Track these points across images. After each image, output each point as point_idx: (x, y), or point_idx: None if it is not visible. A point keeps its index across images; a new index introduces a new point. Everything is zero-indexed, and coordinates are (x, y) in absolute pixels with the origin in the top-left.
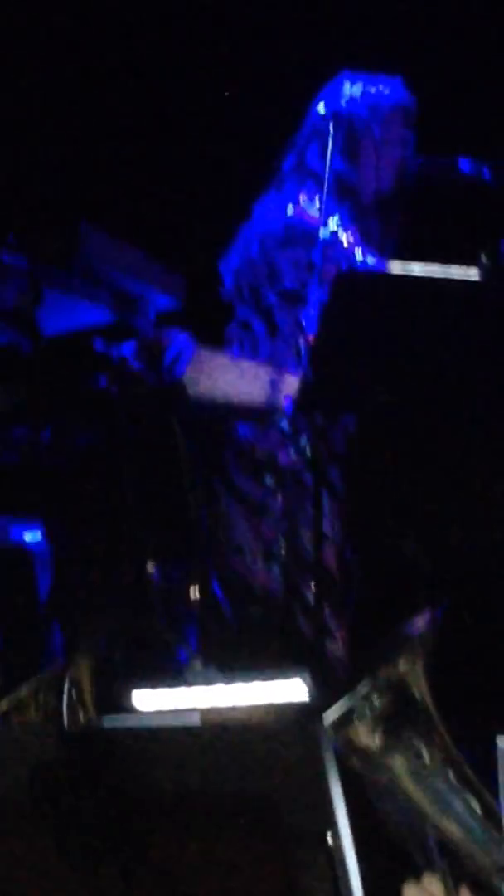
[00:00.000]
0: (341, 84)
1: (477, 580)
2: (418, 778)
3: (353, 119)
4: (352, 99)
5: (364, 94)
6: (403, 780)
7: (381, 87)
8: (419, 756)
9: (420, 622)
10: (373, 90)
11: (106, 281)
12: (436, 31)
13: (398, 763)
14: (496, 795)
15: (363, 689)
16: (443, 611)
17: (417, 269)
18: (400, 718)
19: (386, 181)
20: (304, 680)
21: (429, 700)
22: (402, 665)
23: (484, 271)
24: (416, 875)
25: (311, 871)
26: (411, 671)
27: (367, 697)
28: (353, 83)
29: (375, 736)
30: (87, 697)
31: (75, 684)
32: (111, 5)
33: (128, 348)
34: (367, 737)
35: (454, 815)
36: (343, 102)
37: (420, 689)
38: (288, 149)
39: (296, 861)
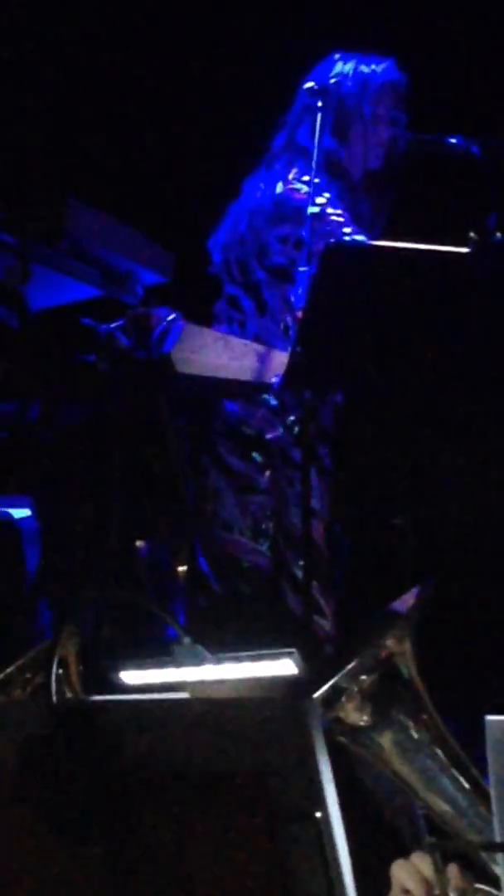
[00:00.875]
0: (332, 63)
1: (464, 556)
2: (406, 755)
3: (344, 97)
4: (343, 77)
5: (355, 72)
6: (392, 757)
7: (372, 66)
8: (407, 733)
9: (408, 600)
10: (364, 69)
11: (94, 257)
12: (424, 12)
13: (386, 740)
14: (484, 772)
15: (352, 666)
16: (431, 588)
17: (406, 245)
18: (388, 696)
19: (375, 160)
20: (292, 656)
21: (417, 677)
22: (390, 643)
23: (473, 247)
24: (405, 852)
25: (300, 848)
26: (399, 649)
27: (355, 675)
28: (344, 62)
29: (364, 713)
30: (75, 674)
31: (63, 661)
32: None
33: (116, 325)
34: (356, 714)
35: (442, 792)
36: (333, 80)
37: (408, 666)
38: (278, 127)
39: (284, 837)
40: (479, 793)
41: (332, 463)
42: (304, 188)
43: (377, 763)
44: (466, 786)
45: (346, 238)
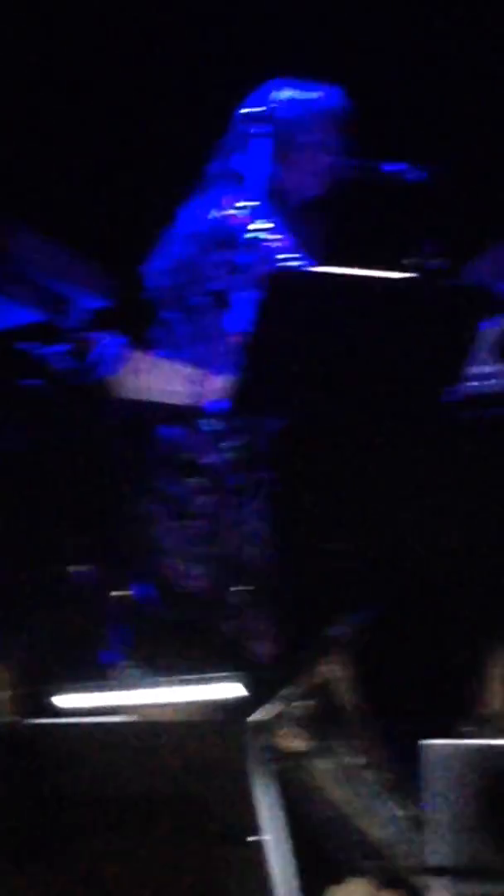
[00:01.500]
0: (269, 89)
1: (406, 581)
2: (341, 781)
3: (280, 123)
4: (280, 103)
5: (292, 99)
6: (326, 782)
7: (310, 92)
8: (342, 759)
9: (345, 627)
10: (301, 96)
11: (33, 281)
12: (363, 38)
13: (322, 766)
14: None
15: (288, 693)
16: (368, 616)
17: (346, 271)
18: (324, 722)
19: (313, 188)
20: (230, 681)
21: (352, 705)
22: (326, 669)
23: (411, 272)
24: (341, 876)
25: (237, 871)
26: (335, 676)
27: (291, 701)
28: (281, 89)
29: (299, 739)
30: (9, 699)
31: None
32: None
33: (55, 349)
34: (291, 740)
35: (376, 818)
36: (271, 107)
37: (344, 693)
38: (214, 152)
39: (222, 861)
40: (412, 818)
41: (270, 487)
42: (240, 213)
43: (312, 788)
44: (400, 812)
45: (282, 263)
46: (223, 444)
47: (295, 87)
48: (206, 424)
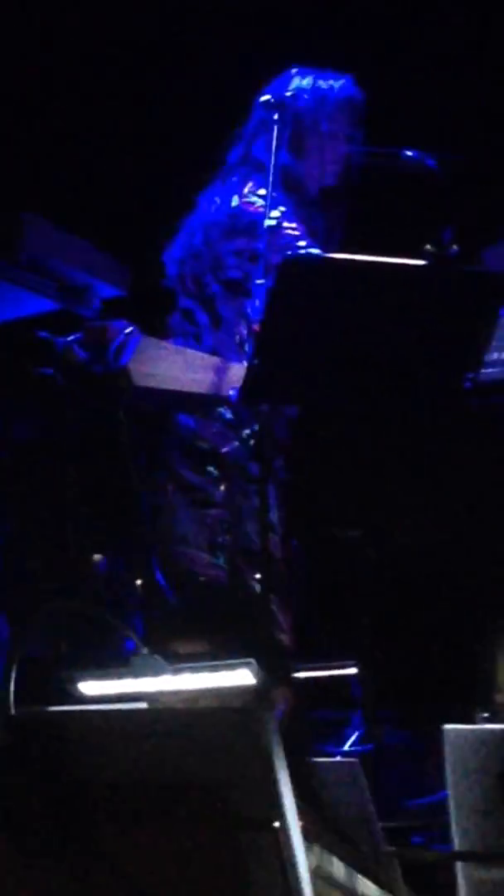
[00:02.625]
0: (289, 77)
1: (422, 569)
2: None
3: (301, 112)
4: (300, 91)
5: (313, 87)
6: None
7: (330, 81)
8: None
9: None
10: (322, 84)
11: (50, 270)
12: (379, 26)
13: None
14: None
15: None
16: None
17: (363, 258)
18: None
19: (331, 176)
20: (249, 667)
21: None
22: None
23: (429, 260)
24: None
25: (259, 857)
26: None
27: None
28: (302, 77)
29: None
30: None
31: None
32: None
33: (72, 338)
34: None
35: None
36: (290, 95)
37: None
38: (233, 140)
39: (243, 847)
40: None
41: (286, 475)
42: (260, 202)
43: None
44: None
45: (302, 251)
46: (241, 433)
47: (315, 75)
48: (224, 413)
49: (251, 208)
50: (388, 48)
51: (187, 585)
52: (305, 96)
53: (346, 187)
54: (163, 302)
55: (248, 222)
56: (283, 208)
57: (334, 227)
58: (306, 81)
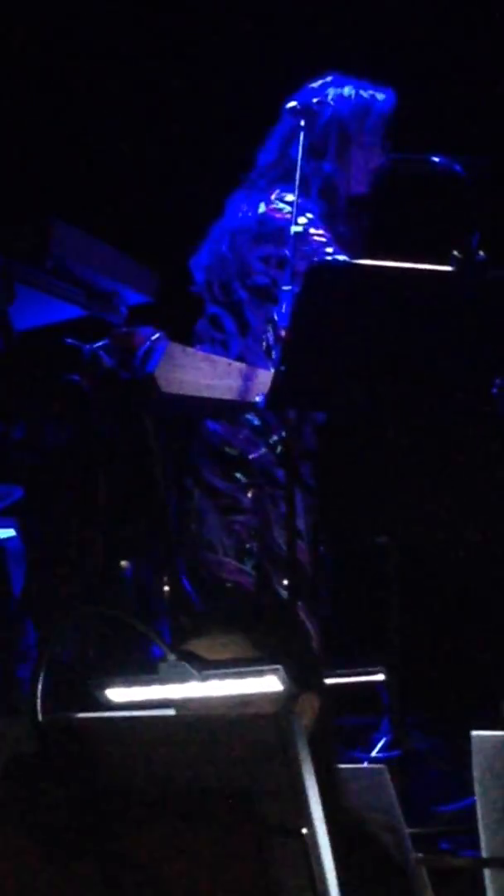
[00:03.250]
0: (325, 84)
1: (449, 575)
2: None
3: (343, 121)
4: (342, 100)
5: (357, 97)
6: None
7: (371, 92)
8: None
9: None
10: (364, 94)
11: (78, 277)
12: (407, 33)
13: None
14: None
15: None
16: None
17: (390, 264)
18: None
19: (361, 185)
20: (277, 674)
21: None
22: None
23: (457, 266)
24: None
25: (287, 864)
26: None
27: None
28: (341, 85)
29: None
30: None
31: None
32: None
33: (100, 344)
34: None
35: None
36: (331, 102)
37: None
38: (263, 144)
39: (271, 854)
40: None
41: (314, 482)
42: (287, 208)
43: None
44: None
45: (329, 258)
46: (269, 439)
47: (355, 84)
48: (252, 420)
49: (278, 215)
50: (414, 53)
51: (214, 591)
52: (348, 106)
53: (371, 197)
54: (190, 308)
55: (276, 228)
56: (310, 215)
57: (356, 235)
58: (348, 90)
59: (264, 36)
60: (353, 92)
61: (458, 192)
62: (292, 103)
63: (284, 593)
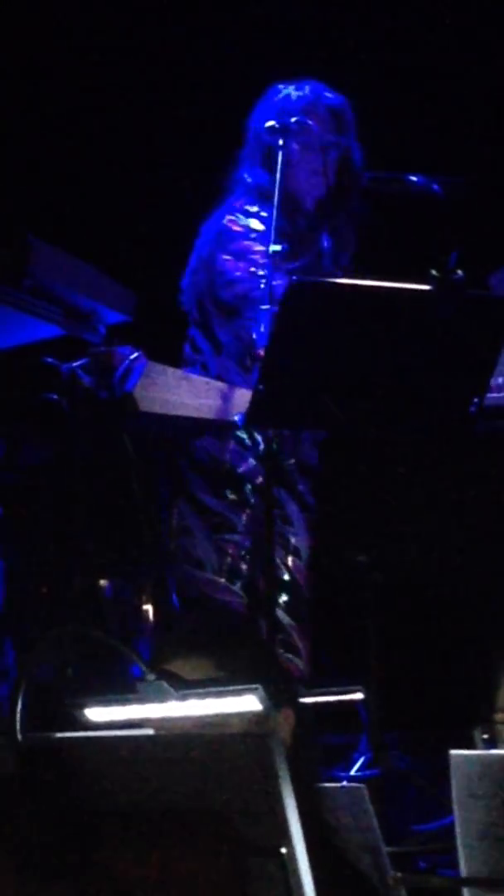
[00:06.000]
0: (275, 95)
1: (429, 592)
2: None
3: (288, 127)
4: (285, 105)
5: (299, 98)
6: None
7: (298, 91)
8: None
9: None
10: (295, 94)
11: (56, 296)
12: (380, 50)
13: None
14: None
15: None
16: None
17: (369, 283)
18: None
19: (315, 186)
20: (256, 693)
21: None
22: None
23: (434, 285)
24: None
25: (266, 884)
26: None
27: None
28: (276, 93)
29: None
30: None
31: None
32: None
33: (78, 363)
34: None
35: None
36: (277, 112)
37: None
38: (231, 164)
39: (250, 873)
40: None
41: (313, 499)
42: (242, 219)
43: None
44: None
45: (301, 274)
46: (258, 451)
47: (288, 85)
48: (236, 437)
49: (234, 226)
50: (389, 72)
51: (200, 609)
52: (290, 108)
53: (345, 203)
54: (168, 327)
55: (229, 240)
56: (282, 230)
57: (341, 248)
58: (291, 91)
59: (240, 56)
60: (294, 93)
61: (435, 211)
62: (270, 122)
63: (282, 615)
